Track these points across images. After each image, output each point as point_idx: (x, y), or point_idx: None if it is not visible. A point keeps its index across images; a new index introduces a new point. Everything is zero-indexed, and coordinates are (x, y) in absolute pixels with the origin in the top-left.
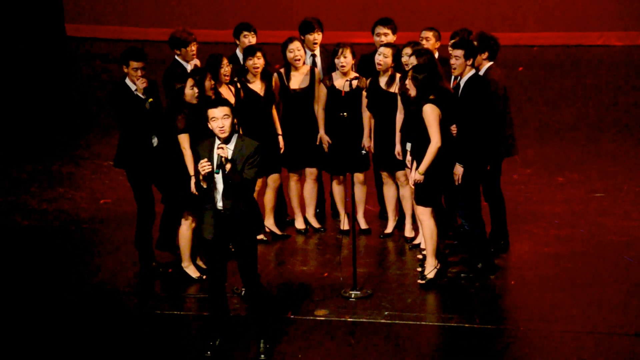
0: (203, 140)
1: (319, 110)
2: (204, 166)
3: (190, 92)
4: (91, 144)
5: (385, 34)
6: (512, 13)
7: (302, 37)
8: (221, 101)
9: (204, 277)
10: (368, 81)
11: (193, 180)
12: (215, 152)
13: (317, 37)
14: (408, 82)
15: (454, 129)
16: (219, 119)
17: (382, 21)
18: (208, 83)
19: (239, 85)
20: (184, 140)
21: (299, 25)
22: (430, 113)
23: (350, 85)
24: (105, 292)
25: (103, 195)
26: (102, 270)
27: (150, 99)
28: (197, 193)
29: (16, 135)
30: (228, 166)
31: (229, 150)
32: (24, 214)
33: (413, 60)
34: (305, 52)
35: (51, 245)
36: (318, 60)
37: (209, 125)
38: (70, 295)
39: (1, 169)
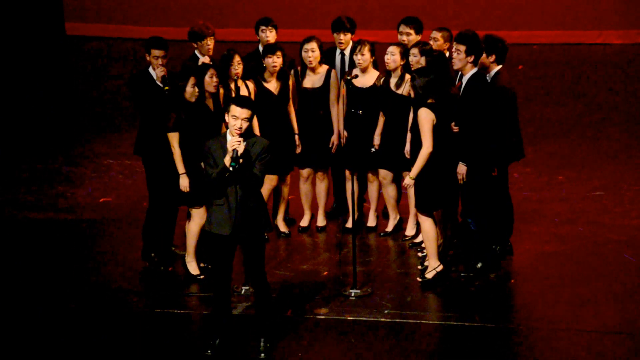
0: (214, 137)
1: (339, 106)
2: (235, 144)
3: (190, 90)
4: (91, 143)
5: (408, 34)
6: (511, 11)
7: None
8: (247, 102)
9: (202, 277)
10: (382, 80)
11: (184, 178)
12: (230, 146)
13: (343, 37)
14: (409, 84)
15: (454, 127)
16: (239, 119)
17: (406, 20)
18: (209, 79)
19: (253, 82)
20: (173, 138)
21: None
22: (424, 118)
23: (349, 76)
24: (104, 290)
25: (103, 194)
26: (102, 269)
27: (167, 87)
28: (187, 190)
29: (16, 133)
30: (241, 161)
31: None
32: (24, 212)
33: (422, 61)
34: (320, 53)
35: (50, 243)
36: (346, 59)
37: (226, 118)
38: (69, 293)
39: (1, 168)
